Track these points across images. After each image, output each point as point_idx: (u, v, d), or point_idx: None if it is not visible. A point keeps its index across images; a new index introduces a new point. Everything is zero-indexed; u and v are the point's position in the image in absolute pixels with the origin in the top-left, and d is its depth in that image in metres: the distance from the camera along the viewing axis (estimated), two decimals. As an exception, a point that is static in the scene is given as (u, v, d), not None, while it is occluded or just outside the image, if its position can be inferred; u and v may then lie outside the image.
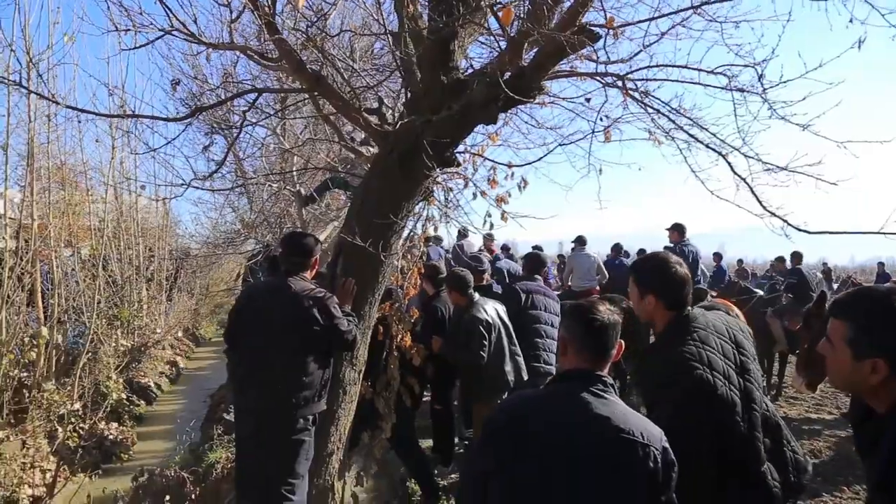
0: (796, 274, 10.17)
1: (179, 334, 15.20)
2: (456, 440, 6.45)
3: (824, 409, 8.27)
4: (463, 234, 9.50)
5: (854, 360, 1.68)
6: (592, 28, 3.29)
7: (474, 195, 4.39)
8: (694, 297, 7.78)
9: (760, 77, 3.39)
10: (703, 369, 2.29)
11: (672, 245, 9.36)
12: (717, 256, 17.73)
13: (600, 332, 2.09)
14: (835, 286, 16.66)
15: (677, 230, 9.45)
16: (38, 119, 7.29)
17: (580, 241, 11.04)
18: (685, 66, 3.55)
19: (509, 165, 4.40)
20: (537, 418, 2.05)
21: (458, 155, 4.13)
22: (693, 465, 2.09)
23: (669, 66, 3.59)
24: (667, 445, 1.99)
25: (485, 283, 6.62)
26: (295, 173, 8.77)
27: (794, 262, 11.27)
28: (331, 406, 3.98)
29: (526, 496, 1.96)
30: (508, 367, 5.10)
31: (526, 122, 4.83)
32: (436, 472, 5.57)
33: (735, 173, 3.56)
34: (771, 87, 3.40)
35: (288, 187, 9.06)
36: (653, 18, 3.35)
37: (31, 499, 5.82)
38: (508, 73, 3.53)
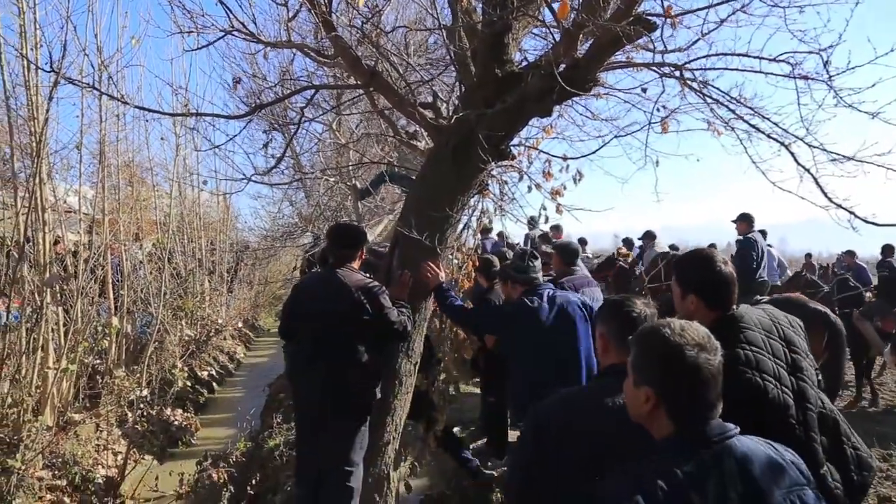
0: (887, 267, 9.24)
1: (240, 325, 15.66)
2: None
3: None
4: (487, 229, 9.24)
5: (634, 387, 1.76)
6: (649, 17, 3.23)
7: (529, 188, 4.39)
8: (757, 290, 7.42)
9: (826, 64, 3.26)
10: (751, 373, 2.21)
11: (741, 237, 8.77)
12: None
13: (637, 325, 2.06)
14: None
15: (745, 220, 8.80)
16: (108, 119, 7.62)
17: (649, 236, 10.85)
18: (746, 55, 3.44)
19: (564, 158, 4.37)
20: (579, 413, 2.07)
21: (512, 148, 4.13)
22: None
23: (729, 54, 3.49)
24: None
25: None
26: (351, 168, 8.91)
27: (886, 254, 9.98)
28: (386, 397, 4.03)
29: (569, 487, 1.97)
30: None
31: (581, 114, 4.77)
32: (489, 463, 5.60)
33: (798, 164, 3.44)
34: (837, 74, 3.25)
35: (344, 181, 9.21)
36: (712, 6, 3.28)
37: (104, 478, 6.13)
38: (563, 65, 3.50)
